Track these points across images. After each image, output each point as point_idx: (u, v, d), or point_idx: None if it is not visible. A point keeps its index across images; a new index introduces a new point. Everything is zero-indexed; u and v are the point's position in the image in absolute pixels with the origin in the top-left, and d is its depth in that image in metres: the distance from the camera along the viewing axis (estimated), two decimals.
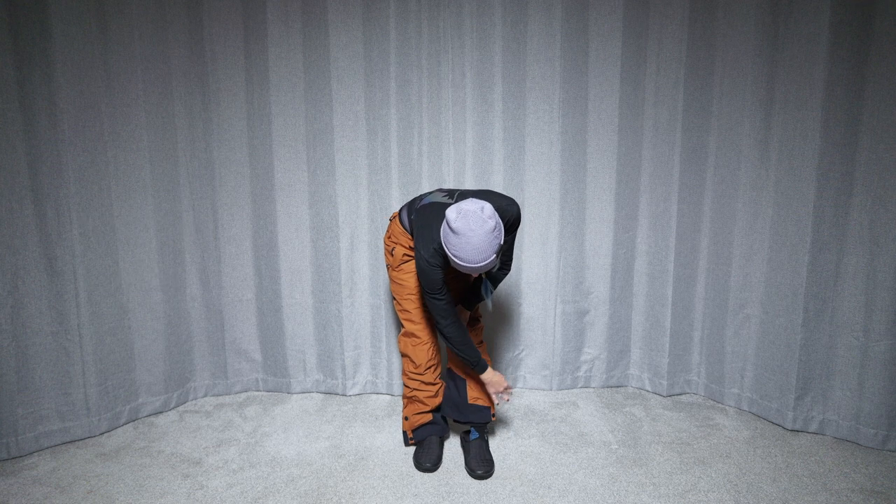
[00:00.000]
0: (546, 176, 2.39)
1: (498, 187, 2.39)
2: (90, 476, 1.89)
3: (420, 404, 2.02)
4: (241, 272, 2.46)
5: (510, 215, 1.74)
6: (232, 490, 1.81)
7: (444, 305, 1.75)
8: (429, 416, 2.02)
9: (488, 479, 1.85)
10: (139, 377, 2.28)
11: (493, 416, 1.99)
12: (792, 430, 2.16)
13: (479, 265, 1.54)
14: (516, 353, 2.55)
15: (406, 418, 2.05)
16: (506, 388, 1.91)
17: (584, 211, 2.43)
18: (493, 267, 1.67)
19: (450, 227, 1.53)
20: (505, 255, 1.87)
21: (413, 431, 2.03)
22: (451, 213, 1.53)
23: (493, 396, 1.93)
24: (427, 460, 1.92)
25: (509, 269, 1.92)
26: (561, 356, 2.52)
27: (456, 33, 2.29)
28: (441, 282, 1.72)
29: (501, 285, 2.47)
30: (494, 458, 1.97)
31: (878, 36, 1.87)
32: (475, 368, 1.85)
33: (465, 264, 1.54)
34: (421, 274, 1.72)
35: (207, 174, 2.36)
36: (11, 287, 1.94)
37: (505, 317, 2.51)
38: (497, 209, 1.72)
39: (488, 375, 1.88)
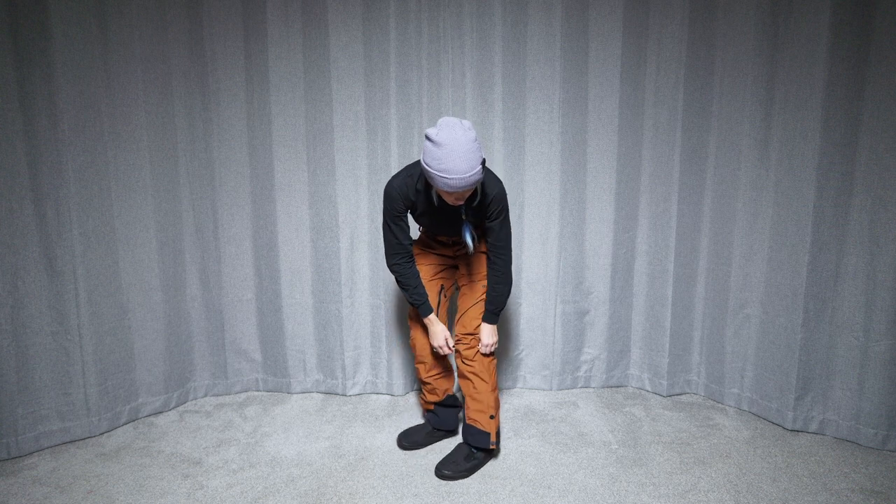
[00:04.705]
0: (546, 176, 2.39)
1: None
2: (90, 476, 1.89)
3: (426, 394, 2.12)
4: (241, 272, 2.46)
5: (493, 190, 1.73)
6: (232, 490, 1.81)
7: (398, 241, 1.80)
8: (431, 406, 2.11)
9: (488, 480, 1.85)
10: (139, 377, 2.27)
11: (493, 445, 1.89)
12: (792, 430, 2.16)
13: (467, 175, 1.52)
14: (516, 353, 2.55)
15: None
16: (441, 346, 1.90)
17: (584, 211, 2.43)
18: (473, 197, 1.70)
19: (431, 141, 1.52)
20: (500, 239, 1.82)
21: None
22: (430, 129, 1.54)
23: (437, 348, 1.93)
24: (405, 439, 2.06)
25: (509, 257, 1.86)
26: (561, 356, 2.52)
27: (456, 33, 2.29)
28: (401, 212, 1.77)
29: None
30: (494, 458, 1.97)
31: (878, 36, 1.87)
32: (419, 309, 1.89)
33: (452, 177, 1.51)
34: (385, 198, 1.76)
35: (207, 174, 2.36)
36: (11, 287, 1.94)
37: (505, 317, 2.51)
38: (484, 182, 1.73)
39: (431, 320, 1.90)
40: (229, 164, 2.37)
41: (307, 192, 2.39)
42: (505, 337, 2.53)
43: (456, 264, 2.07)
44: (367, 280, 2.45)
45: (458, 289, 2.06)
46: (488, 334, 1.91)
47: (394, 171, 2.35)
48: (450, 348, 1.89)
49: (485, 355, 1.92)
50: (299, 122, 2.34)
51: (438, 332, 1.89)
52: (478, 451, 1.93)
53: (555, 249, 2.43)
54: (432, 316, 1.90)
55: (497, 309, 1.90)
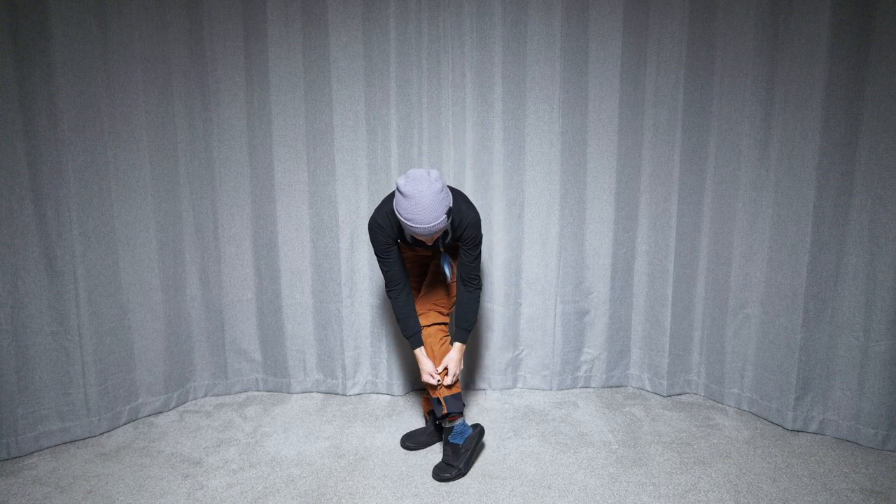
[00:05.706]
0: (546, 176, 2.39)
1: (498, 187, 2.39)
2: (90, 476, 1.89)
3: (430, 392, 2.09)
4: (241, 272, 2.46)
5: (466, 220, 1.78)
6: (232, 490, 1.81)
7: (390, 273, 1.88)
8: (431, 405, 2.13)
9: (488, 480, 1.86)
10: (139, 377, 2.27)
11: (445, 409, 1.88)
12: (792, 430, 2.16)
13: (430, 225, 1.61)
14: (516, 353, 2.55)
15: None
16: (428, 382, 1.89)
17: (584, 211, 2.43)
18: (446, 235, 1.79)
19: (400, 192, 1.62)
20: (469, 271, 1.88)
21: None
22: (400, 179, 1.63)
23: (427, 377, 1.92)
24: (408, 440, 2.07)
25: (479, 288, 1.93)
26: (561, 356, 2.52)
27: (456, 33, 2.29)
28: (389, 246, 1.84)
29: (502, 283, 2.47)
30: (494, 458, 1.97)
31: (878, 36, 1.87)
32: (409, 341, 1.94)
33: (417, 226, 1.61)
34: (370, 234, 1.84)
35: (207, 174, 2.36)
36: (11, 287, 1.94)
37: (505, 317, 2.51)
38: (455, 211, 1.78)
39: (419, 354, 1.92)
40: (229, 164, 2.37)
41: (307, 192, 2.39)
42: (504, 337, 2.53)
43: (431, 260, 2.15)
44: (367, 280, 2.45)
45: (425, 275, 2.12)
46: (456, 363, 1.92)
47: (394, 171, 2.36)
48: (438, 382, 1.90)
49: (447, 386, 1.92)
50: (299, 122, 2.34)
51: (426, 367, 1.91)
52: (451, 429, 1.92)
53: (555, 249, 2.43)
54: (420, 350, 1.93)
55: (469, 326, 1.95)
